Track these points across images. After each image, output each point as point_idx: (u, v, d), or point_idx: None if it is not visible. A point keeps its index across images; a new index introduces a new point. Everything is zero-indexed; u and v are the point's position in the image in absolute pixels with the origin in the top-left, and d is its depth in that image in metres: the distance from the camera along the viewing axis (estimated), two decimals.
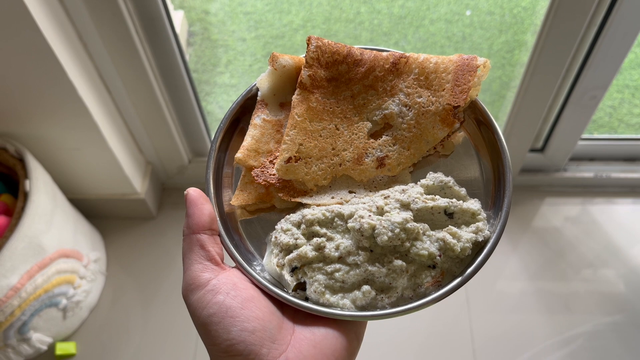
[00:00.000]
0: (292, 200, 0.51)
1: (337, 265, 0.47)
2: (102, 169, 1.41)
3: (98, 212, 1.58)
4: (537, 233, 1.56)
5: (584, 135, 1.55)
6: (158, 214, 1.62)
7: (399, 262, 0.47)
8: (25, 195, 1.23)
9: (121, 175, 1.43)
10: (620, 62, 1.25)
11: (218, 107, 1.77)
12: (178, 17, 1.85)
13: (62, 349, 1.39)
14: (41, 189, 1.25)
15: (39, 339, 1.33)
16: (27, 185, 1.24)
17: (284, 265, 0.48)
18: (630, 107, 1.77)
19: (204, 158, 1.57)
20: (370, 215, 0.47)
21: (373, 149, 0.52)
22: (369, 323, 0.49)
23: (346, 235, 0.48)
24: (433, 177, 0.51)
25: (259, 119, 0.52)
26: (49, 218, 1.27)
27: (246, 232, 0.51)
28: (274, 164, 0.51)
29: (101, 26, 1.13)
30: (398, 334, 1.40)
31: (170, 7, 1.22)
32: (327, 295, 0.46)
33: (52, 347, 1.39)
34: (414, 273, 0.47)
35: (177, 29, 1.25)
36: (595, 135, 1.63)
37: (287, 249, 0.48)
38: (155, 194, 1.60)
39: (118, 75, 1.26)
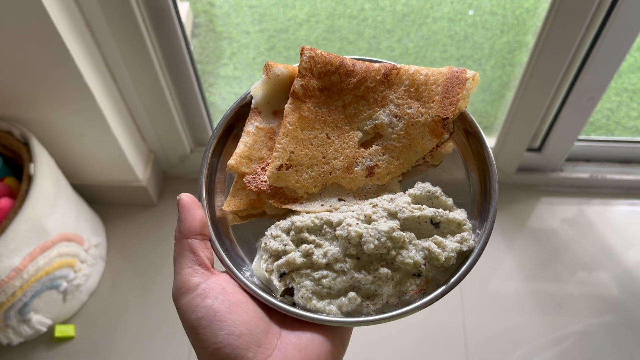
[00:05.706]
0: (283, 207, 0.52)
1: (325, 272, 0.48)
2: (105, 156, 1.42)
3: (100, 198, 1.59)
4: (532, 233, 1.57)
5: (581, 136, 1.56)
6: (159, 202, 1.63)
7: (384, 270, 0.48)
8: (30, 179, 1.24)
9: (124, 163, 1.44)
10: (618, 65, 1.25)
11: (221, 98, 1.78)
12: (183, 9, 1.85)
13: (61, 331, 1.41)
14: (45, 173, 1.26)
15: (39, 320, 1.34)
16: (32, 168, 1.25)
17: (272, 270, 0.49)
18: (628, 110, 1.77)
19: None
20: (357, 224, 0.48)
21: (363, 158, 0.53)
22: (355, 328, 0.50)
23: (334, 243, 0.49)
24: (421, 187, 0.52)
25: (252, 126, 0.53)
26: (52, 202, 1.28)
27: (237, 237, 0.52)
28: (265, 171, 0.52)
29: (109, 14, 1.14)
30: (392, 331, 1.41)
31: None
32: (314, 301, 0.47)
33: (51, 329, 1.41)
34: (399, 281, 0.48)
35: (182, 20, 1.25)
36: (592, 137, 1.63)
37: (276, 255, 0.49)
38: (156, 182, 1.62)
39: (124, 63, 1.27)
